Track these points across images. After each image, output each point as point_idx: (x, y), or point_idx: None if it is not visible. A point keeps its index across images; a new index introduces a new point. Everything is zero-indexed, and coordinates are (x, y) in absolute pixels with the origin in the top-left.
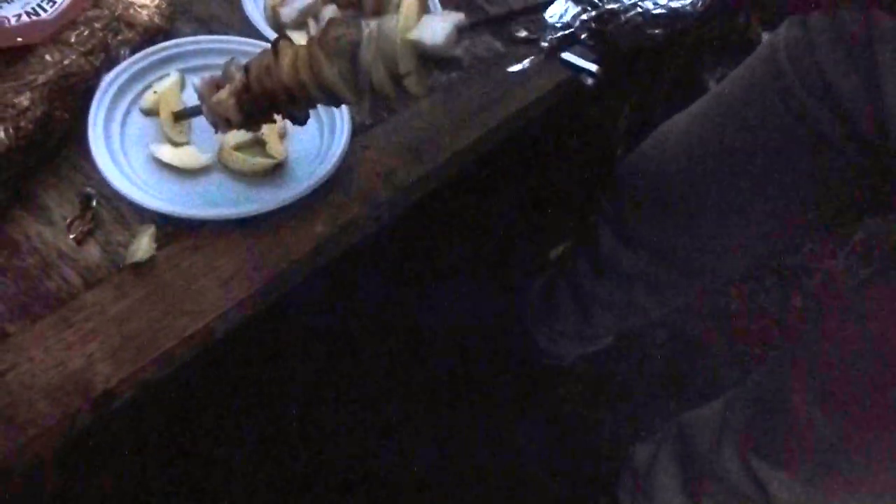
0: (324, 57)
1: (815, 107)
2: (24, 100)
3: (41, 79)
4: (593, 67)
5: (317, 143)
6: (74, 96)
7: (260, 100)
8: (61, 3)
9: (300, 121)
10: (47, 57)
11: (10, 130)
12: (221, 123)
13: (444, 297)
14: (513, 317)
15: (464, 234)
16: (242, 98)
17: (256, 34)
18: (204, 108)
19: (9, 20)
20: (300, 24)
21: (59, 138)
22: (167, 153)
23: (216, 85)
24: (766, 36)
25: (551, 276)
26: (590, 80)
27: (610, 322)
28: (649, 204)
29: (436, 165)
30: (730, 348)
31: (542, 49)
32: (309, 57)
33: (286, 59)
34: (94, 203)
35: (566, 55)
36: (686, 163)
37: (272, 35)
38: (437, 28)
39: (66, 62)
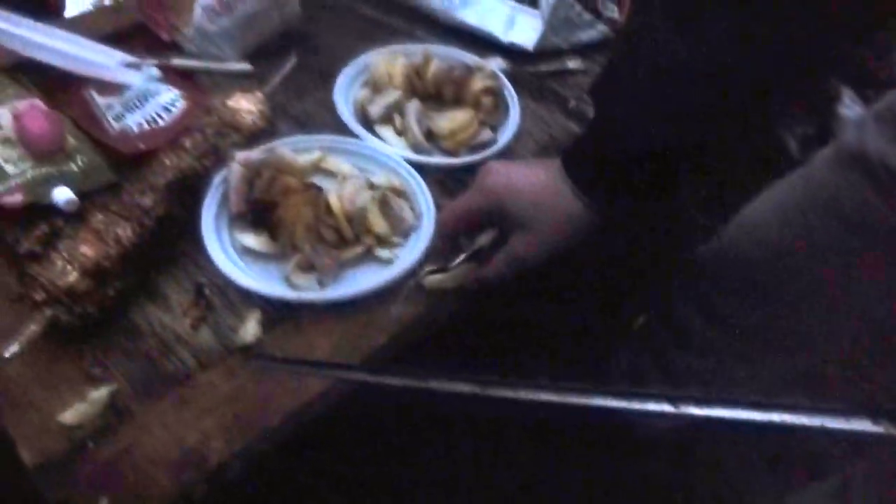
0: None
1: None
2: (147, 200)
3: (161, 181)
4: None
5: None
6: (190, 195)
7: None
8: (176, 112)
9: None
10: (166, 161)
11: (137, 228)
12: None
13: (527, 369)
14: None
15: (545, 305)
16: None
17: (347, 130)
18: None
19: (132, 129)
20: (386, 119)
21: (176, 233)
22: (250, 240)
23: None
24: (846, 93)
25: (635, 346)
26: None
27: (698, 393)
28: (735, 288)
29: None
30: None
31: None
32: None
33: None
34: (207, 291)
35: None
36: (774, 250)
37: (361, 130)
38: None
39: (182, 165)
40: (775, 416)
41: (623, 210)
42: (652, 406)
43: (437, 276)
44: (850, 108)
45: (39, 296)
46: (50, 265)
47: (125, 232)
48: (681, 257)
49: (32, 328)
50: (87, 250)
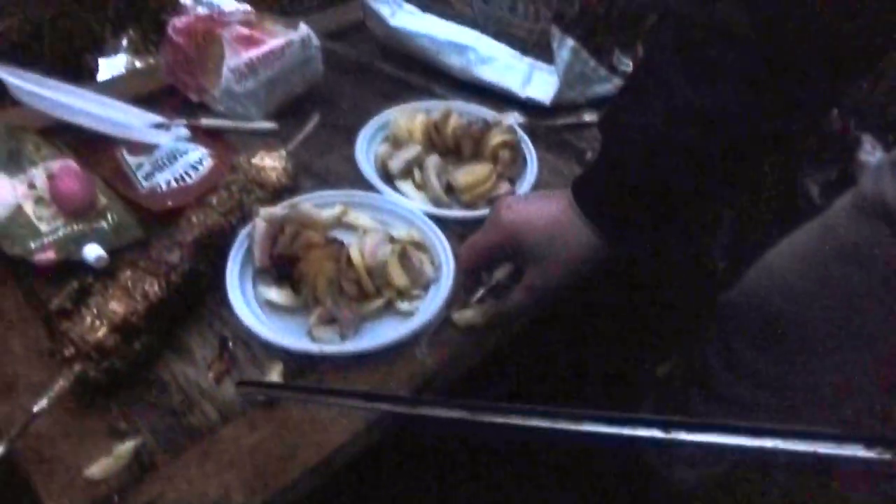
0: None
1: None
2: (174, 257)
3: (188, 238)
4: None
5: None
6: (215, 251)
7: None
8: (203, 170)
9: None
10: (193, 218)
11: (163, 283)
12: None
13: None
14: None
15: (571, 351)
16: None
17: (368, 184)
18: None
19: (161, 187)
20: (406, 173)
21: (202, 288)
22: (273, 294)
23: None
24: (868, 139)
25: (660, 395)
26: None
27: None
28: (756, 337)
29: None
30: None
31: None
32: None
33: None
34: (230, 344)
35: None
36: (794, 298)
37: (382, 185)
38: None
39: (208, 222)
40: (768, 442)
41: (634, 239)
42: (642, 432)
43: (466, 313)
44: (870, 154)
45: (69, 351)
46: (80, 321)
47: (152, 288)
48: (703, 304)
49: (61, 383)
50: (115, 306)
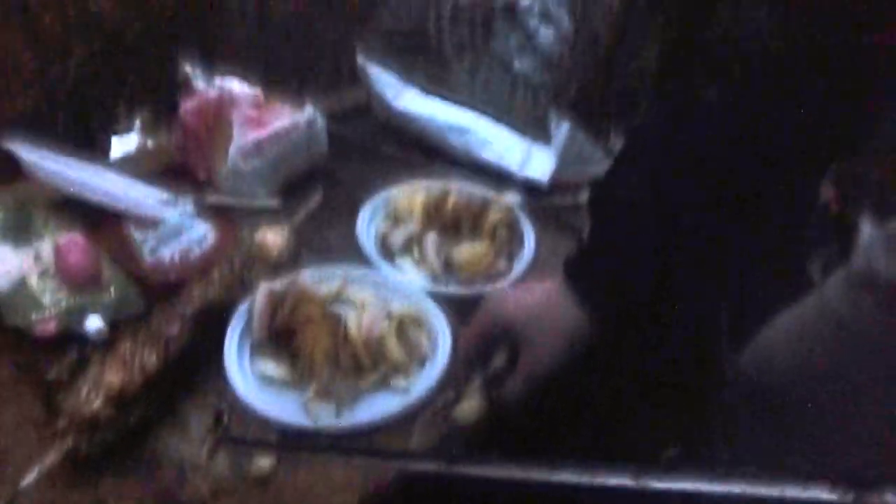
0: None
1: None
2: (174, 329)
3: (189, 310)
4: None
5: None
6: (215, 324)
7: None
8: (207, 244)
9: None
10: (194, 291)
11: (162, 355)
12: None
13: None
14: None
15: (570, 436)
16: None
17: (368, 260)
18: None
19: (165, 261)
20: (406, 249)
21: (199, 360)
22: (270, 367)
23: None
24: (867, 223)
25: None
26: None
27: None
28: (753, 417)
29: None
30: None
31: None
32: None
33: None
34: (225, 418)
35: None
36: (790, 374)
37: (381, 261)
38: None
39: (209, 295)
40: (735, 487)
41: (626, 314)
42: (613, 480)
43: (466, 407)
44: (869, 233)
45: (62, 423)
46: (75, 392)
47: (150, 359)
48: (707, 388)
49: (52, 457)
50: (112, 377)
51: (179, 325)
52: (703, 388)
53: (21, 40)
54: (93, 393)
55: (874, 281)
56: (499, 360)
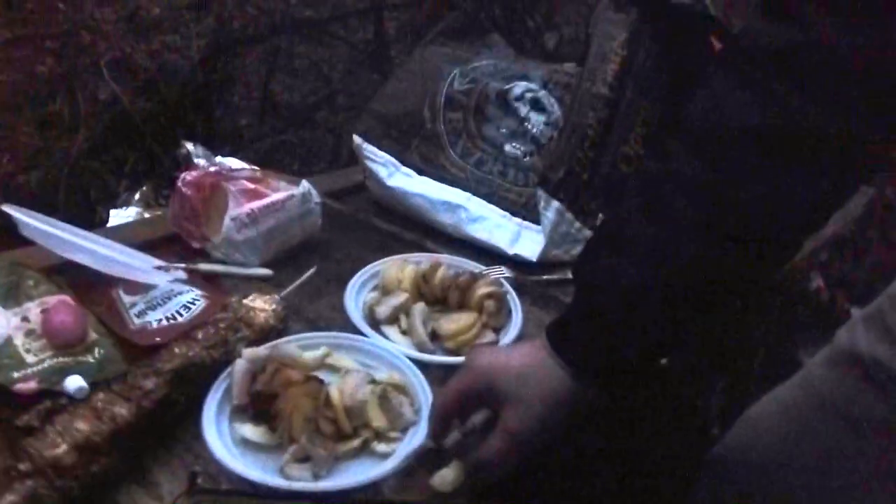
0: None
1: None
2: (149, 383)
3: (168, 367)
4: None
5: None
6: (193, 383)
7: None
8: (195, 309)
9: None
10: (176, 349)
11: (133, 409)
12: None
13: None
14: None
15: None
16: None
17: (354, 329)
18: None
19: (152, 324)
20: (392, 319)
21: (173, 418)
22: (248, 431)
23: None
24: (855, 312)
25: None
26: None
27: None
28: (740, 493)
29: None
30: None
31: None
32: None
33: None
34: (199, 480)
35: None
36: (776, 453)
37: (368, 329)
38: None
39: (190, 353)
40: None
41: (608, 380)
42: None
43: (446, 475)
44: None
45: (25, 466)
46: (42, 437)
47: (122, 411)
48: (694, 468)
49: (10, 499)
50: (81, 425)
51: (156, 380)
52: (692, 472)
53: (28, 122)
54: (59, 438)
55: (856, 358)
56: (479, 418)
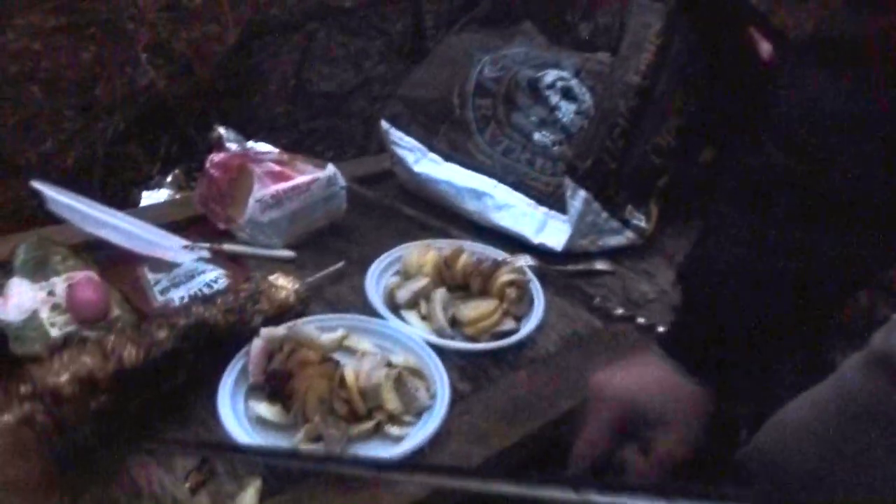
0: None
1: None
2: (161, 333)
3: (182, 322)
4: None
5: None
6: (204, 342)
7: None
8: (217, 287)
9: None
10: (193, 308)
11: (141, 354)
12: None
13: None
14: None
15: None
16: None
17: (374, 312)
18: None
19: (174, 301)
20: (412, 304)
21: (183, 380)
22: (263, 409)
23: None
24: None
25: None
26: None
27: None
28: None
29: (530, 431)
30: None
31: (639, 326)
32: None
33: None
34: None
35: (662, 328)
36: (805, 456)
37: (387, 313)
38: None
39: (206, 315)
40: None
41: (735, 383)
42: (555, 492)
43: None
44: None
45: (25, 388)
46: (47, 365)
47: (129, 354)
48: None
49: (5, 419)
50: (86, 359)
51: (168, 332)
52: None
53: (69, 105)
54: (63, 368)
55: (891, 361)
56: (630, 452)
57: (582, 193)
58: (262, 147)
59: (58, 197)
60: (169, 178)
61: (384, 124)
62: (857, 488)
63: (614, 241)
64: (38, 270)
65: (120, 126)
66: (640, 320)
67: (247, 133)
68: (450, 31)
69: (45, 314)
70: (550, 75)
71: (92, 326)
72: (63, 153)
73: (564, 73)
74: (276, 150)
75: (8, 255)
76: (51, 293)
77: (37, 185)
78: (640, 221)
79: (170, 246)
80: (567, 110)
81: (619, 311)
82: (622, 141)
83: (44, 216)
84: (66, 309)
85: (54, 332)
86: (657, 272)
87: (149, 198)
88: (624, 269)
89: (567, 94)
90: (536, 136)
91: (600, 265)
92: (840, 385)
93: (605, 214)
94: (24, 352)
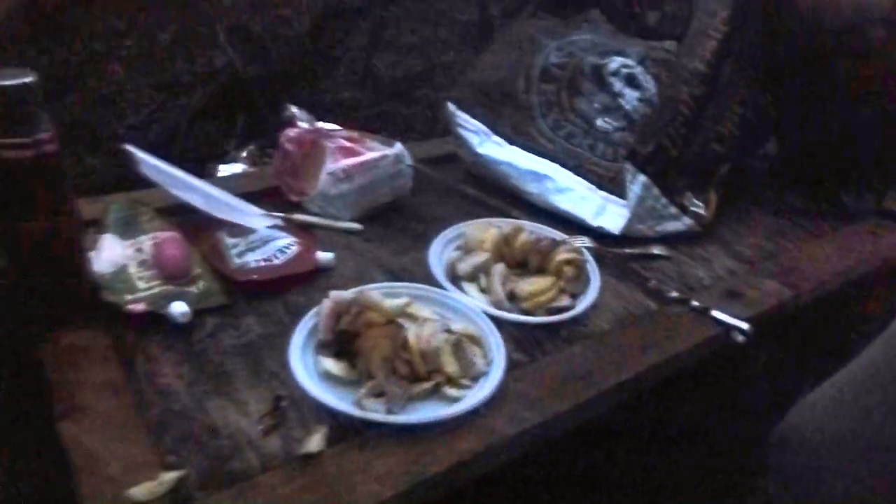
0: None
1: None
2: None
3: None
4: (744, 325)
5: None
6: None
7: None
8: (289, 254)
9: None
10: None
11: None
12: None
13: None
14: None
15: (605, 458)
16: None
17: (435, 283)
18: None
19: (249, 264)
20: (472, 277)
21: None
22: (331, 364)
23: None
24: None
25: None
26: (740, 338)
27: None
28: (797, 480)
29: (583, 401)
30: None
31: (692, 307)
32: None
33: None
34: (284, 403)
35: (716, 312)
36: (838, 437)
37: (448, 284)
38: None
39: None
40: None
41: None
42: None
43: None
44: None
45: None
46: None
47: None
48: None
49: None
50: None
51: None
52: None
53: (150, 83)
54: None
55: None
56: None
57: (642, 178)
58: (333, 126)
59: (149, 160)
60: (243, 154)
61: (450, 106)
62: (884, 461)
63: (672, 227)
64: (128, 228)
65: (198, 104)
66: (695, 303)
67: (315, 112)
68: (517, 18)
69: (133, 269)
70: (615, 62)
71: (174, 282)
72: (145, 128)
73: (629, 61)
74: (346, 130)
75: (100, 213)
76: (139, 250)
77: (130, 148)
78: (699, 209)
79: (248, 213)
80: (630, 97)
81: (674, 293)
82: (684, 128)
83: (128, 184)
84: (152, 265)
85: (140, 285)
86: (714, 259)
87: (224, 172)
88: (680, 255)
89: (631, 81)
90: (599, 122)
91: (657, 249)
92: (862, 363)
93: (663, 200)
94: (113, 300)
